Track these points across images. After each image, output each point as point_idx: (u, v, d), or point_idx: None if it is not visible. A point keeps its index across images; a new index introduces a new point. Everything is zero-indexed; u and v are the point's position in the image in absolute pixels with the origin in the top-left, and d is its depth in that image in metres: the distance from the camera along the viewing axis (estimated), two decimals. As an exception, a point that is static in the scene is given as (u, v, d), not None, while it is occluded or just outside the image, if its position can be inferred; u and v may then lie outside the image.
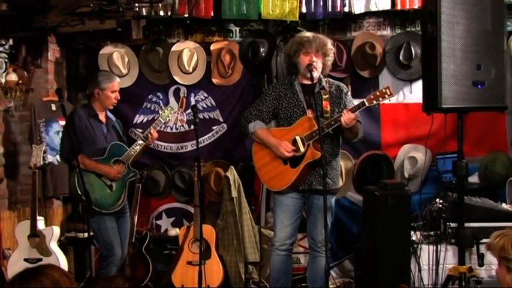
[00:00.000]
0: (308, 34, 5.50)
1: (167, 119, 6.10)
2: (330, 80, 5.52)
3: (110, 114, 5.93)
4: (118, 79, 5.97)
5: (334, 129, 5.16)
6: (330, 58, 5.42)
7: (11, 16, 5.65)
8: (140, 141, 5.83)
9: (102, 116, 5.81)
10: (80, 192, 5.43)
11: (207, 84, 7.13)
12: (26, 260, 5.94)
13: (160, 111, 6.13)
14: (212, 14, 6.76)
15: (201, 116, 6.93)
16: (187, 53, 6.95)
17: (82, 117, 5.68)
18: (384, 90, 5.10)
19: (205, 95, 7.16)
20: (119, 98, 5.89)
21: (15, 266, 6.01)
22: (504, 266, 3.19)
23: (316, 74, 5.25)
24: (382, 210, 5.52)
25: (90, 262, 6.22)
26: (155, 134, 5.92)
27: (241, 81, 7.10)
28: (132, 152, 5.78)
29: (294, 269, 6.16)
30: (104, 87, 5.73)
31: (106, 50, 7.04)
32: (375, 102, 5.12)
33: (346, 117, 5.03)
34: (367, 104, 5.11)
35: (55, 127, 6.64)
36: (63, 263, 5.95)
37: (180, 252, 6.48)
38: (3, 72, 6.23)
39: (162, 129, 6.98)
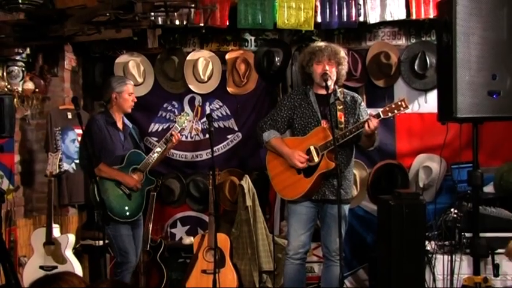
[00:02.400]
0: (320, 44, 5.49)
1: (183, 125, 6.04)
2: (345, 90, 5.51)
3: (126, 121, 5.94)
4: (131, 81, 6.00)
5: (349, 139, 5.15)
6: (344, 67, 5.40)
7: (29, 25, 5.69)
8: (158, 149, 5.82)
9: (119, 123, 5.82)
10: (98, 199, 5.39)
11: (222, 93, 7.16)
12: (41, 267, 5.98)
13: (176, 118, 6.07)
14: (227, 23, 6.78)
15: (216, 125, 6.98)
16: (202, 62, 6.98)
17: (101, 126, 5.68)
18: (399, 103, 5.09)
19: (220, 103, 7.19)
20: (135, 100, 5.90)
21: (30, 273, 6.05)
22: None
23: (330, 82, 5.24)
24: (396, 219, 5.50)
25: (105, 270, 6.25)
26: (177, 136, 5.89)
27: (256, 90, 7.12)
28: (150, 160, 5.77)
29: (308, 278, 6.17)
30: (121, 90, 5.75)
31: (122, 58, 7.10)
32: (390, 114, 5.10)
33: (371, 124, 5.02)
34: (382, 116, 5.09)
35: (71, 135, 6.69)
36: (78, 270, 5.97)
37: (194, 261, 6.49)
38: (20, 80, 6.29)
39: (177, 137, 7.06)
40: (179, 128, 5.97)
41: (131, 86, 5.88)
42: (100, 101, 6.81)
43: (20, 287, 5.20)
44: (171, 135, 5.84)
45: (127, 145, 5.80)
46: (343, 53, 5.41)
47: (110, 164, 5.65)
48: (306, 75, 5.46)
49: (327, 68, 5.25)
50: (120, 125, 5.83)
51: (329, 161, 5.09)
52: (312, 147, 5.17)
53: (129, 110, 5.90)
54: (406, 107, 5.09)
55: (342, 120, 5.25)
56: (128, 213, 5.67)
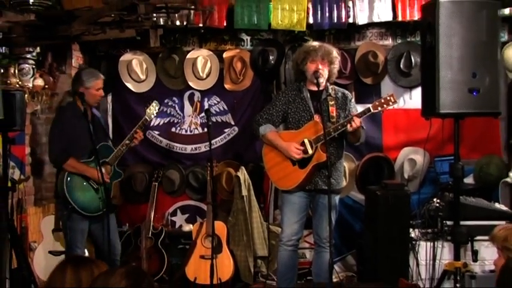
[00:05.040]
0: (314, 43, 5.50)
1: (152, 116, 5.90)
2: (336, 87, 5.53)
3: (95, 111, 5.71)
4: (102, 76, 5.59)
5: (339, 133, 5.19)
6: (336, 66, 5.43)
7: (39, 26, 5.70)
8: (127, 141, 5.57)
9: (88, 114, 5.49)
10: (66, 194, 5.24)
11: (219, 90, 7.19)
12: (50, 252, 6.02)
13: (146, 110, 5.85)
14: (225, 24, 6.82)
15: (213, 120, 7.00)
16: (201, 60, 7.01)
17: (68, 117, 5.40)
18: (388, 98, 5.14)
19: (218, 99, 7.22)
20: (103, 94, 5.63)
21: (40, 257, 6.12)
22: (504, 256, 3.23)
23: (322, 80, 5.26)
24: (383, 209, 5.57)
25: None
26: (140, 135, 5.66)
27: (252, 87, 7.16)
28: (118, 154, 5.54)
29: (300, 263, 6.18)
30: (89, 86, 5.41)
31: (126, 57, 7.13)
32: (379, 108, 5.15)
33: (351, 125, 5.07)
34: (372, 110, 5.15)
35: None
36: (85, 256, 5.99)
37: (193, 247, 6.51)
38: (31, 77, 6.28)
39: (177, 131, 7.11)
40: (148, 120, 5.84)
41: (101, 81, 5.53)
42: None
43: (30, 270, 5.25)
44: (135, 132, 5.61)
45: (96, 136, 5.29)
46: (335, 52, 5.42)
47: (79, 156, 5.35)
48: (299, 73, 5.48)
49: (320, 66, 5.27)
50: (89, 117, 5.47)
51: (322, 153, 5.12)
52: (306, 140, 5.19)
53: (96, 105, 5.68)
54: (395, 102, 5.15)
55: (334, 114, 5.28)
56: (94, 208, 5.37)
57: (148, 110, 5.82)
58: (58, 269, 2.54)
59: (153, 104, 5.89)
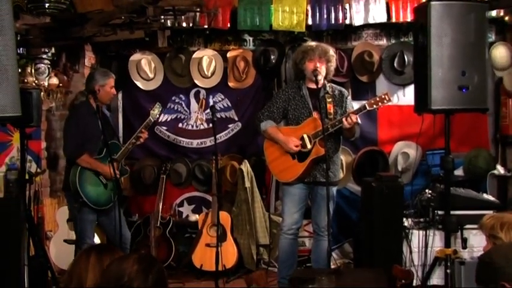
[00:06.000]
0: (312, 43, 5.53)
1: (156, 116, 5.95)
2: (333, 85, 5.55)
3: (105, 111, 5.75)
4: (113, 75, 5.63)
5: (336, 129, 5.21)
6: (333, 64, 5.46)
7: (54, 28, 5.73)
8: (133, 140, 5.63)
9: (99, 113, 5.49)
10: (78, 187, 5.28)
11: (223, 87, 7.22)
12: (65, 240, 6.04)
13: (150, 111, 5.88)
14: (229, 26, 6.83)
15: (218, 116, 7.02)
16: (206, 59, 7.04)
17: (83, 114, 5.46)
18: (383, 96, 5.16)
19: (222, 96, 7.25)
20: (115, 93, 5.66)
21: (56, 245, 6.16)
22: (492, 243, 3.26)
23: (320, 77, 5.27)
24: (378, 199, 5.56)
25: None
26: (145, 135, 5.72)
27: (254, 85, 7.19)
28: (125, 151, 5.59)
29: (300, 251, 6.18)
30: (104, 83, 5.46)
31: (135, 57, 7.14)
32: (375, 106, 5.17)
33: (348, 121, 5.10)
34: (367, 108, 5.17)
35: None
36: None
37: (199, 236, 6.56)
38: (46, 76, 6.30)
39: (184, 127, 7.14)
40: (153, 120, 5.86)
41: (113, 80, 5.57)
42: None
43: (46, 257, 5.28)
44: (141, 132, 5.67)
45: (106, 133, 5.34)
46: (331, 51, 5.45)
47: (91, 152, 5.40)
48: (298, 71, 5.50)
49: (318, 65, 5.30)
50: (100, 115, 5.46)
51: (320, 147, 5.15)
52: (305, 136, 5.23)
53: (109, 102, 5.74)
54: (389, 100, 5.17)
55: (331, 111, 5.30)
56: (103, 202, 5.46)
57: (152, 111, 5.86)
58: (84, 253, 2.64)
59: (157, 105, 5.94)
